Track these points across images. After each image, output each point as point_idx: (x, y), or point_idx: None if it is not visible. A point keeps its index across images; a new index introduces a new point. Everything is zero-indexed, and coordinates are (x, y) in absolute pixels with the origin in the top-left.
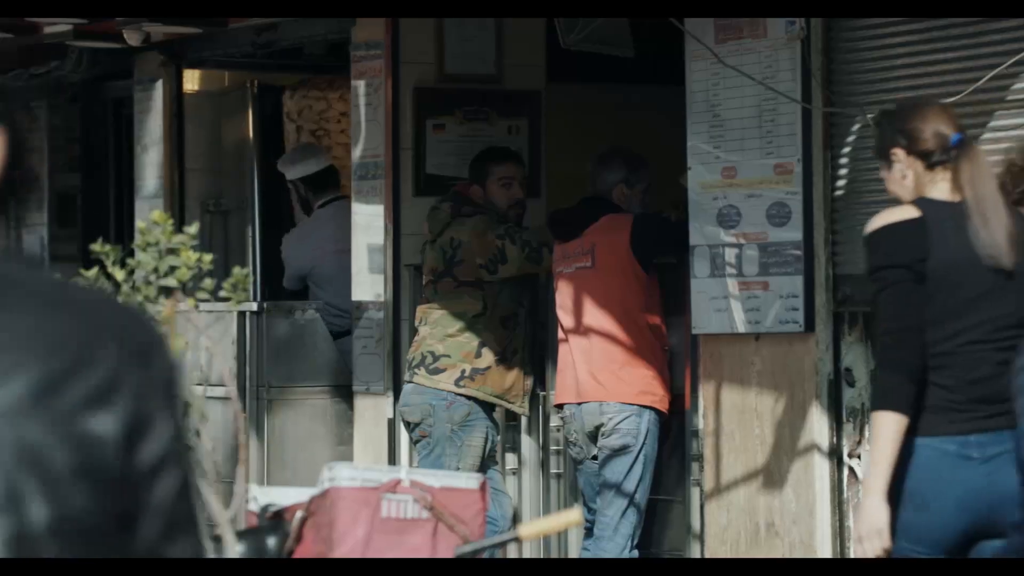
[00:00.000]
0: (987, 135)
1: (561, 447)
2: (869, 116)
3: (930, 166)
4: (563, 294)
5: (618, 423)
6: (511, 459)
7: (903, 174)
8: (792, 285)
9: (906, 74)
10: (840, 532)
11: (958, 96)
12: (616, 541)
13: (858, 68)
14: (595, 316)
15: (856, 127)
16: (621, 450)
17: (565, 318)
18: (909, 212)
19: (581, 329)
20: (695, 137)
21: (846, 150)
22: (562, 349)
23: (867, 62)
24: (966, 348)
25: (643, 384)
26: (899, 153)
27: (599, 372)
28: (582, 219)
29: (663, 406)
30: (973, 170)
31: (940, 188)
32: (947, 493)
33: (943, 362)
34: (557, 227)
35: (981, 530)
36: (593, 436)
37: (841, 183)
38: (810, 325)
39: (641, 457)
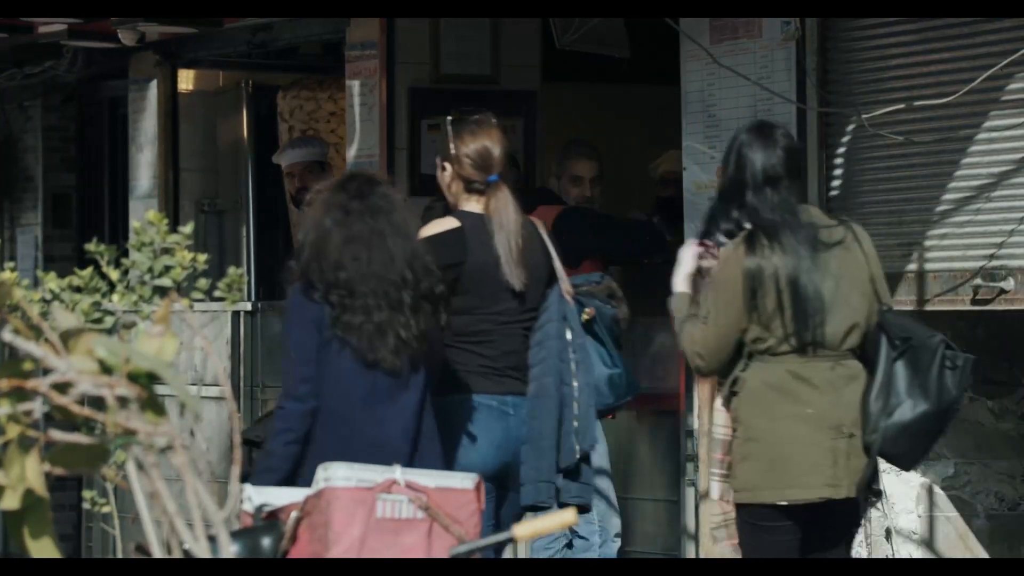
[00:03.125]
0: (982, 135)
1: None
2: (864, 117)
3: (468, 189)
4: None
5: None
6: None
7: (448, 184)
8: None
9: (901, 74)
10: None
11: (953, 96)
12: (580, 542)
13: (853, 68)
14: None
15: (851, 127)
16: None
17: None
18: (451, 223)
19: None
20: (690, 137)
21: (841, 150)
22: None
23: (862, 62)
24: (501, 327)
25: None
26: (448, 168)
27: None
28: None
29: None
30: (500, 201)
31: (474, 204)
32: (489, 437)
33: (484, 338)
34: None
35: (508, 471)
36: None
37: (836, 183)
38: None
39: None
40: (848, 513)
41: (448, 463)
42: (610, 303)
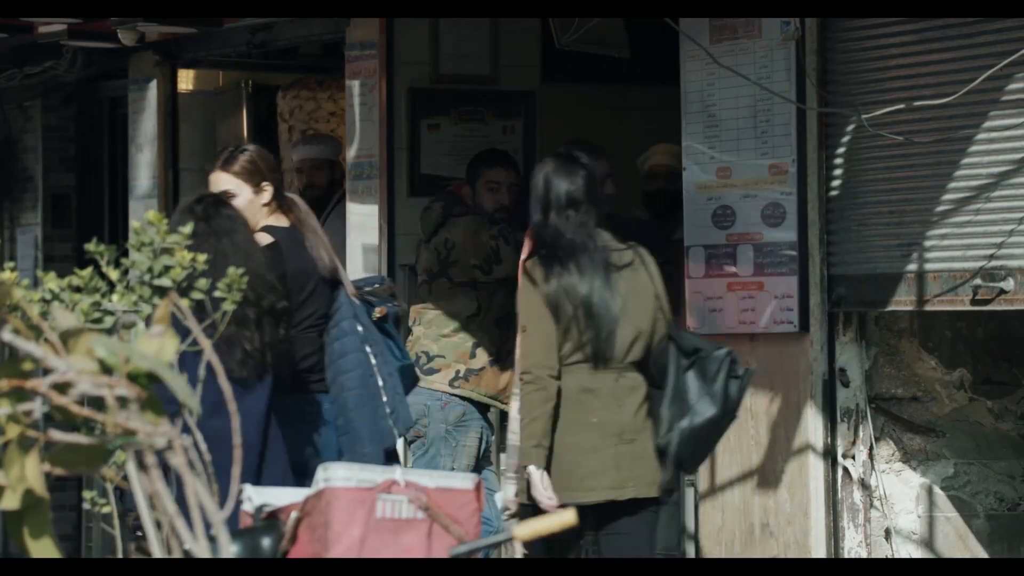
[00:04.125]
0: (982, 135)
1: None
2: (864, 117)
3: (279, 207)
4: None
5: None
6: (506, 460)
7: (266, 202)
8: (787, 285)
9: (901, 74)
10: (835, 532)
11: (952, 96)
12: None
13: (853, 68)
14: None
15: (851, 127)
16: None
17: None
18: (268, 238)
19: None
20: (690, 137)
21: (841, 150)
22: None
23: (862, 62)
24: (301, 333)
25: None
26: (270, 188)
27: None
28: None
29: None
30: (304, 213)
31: (278, 219)
32: (288, 433)
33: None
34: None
35: (308, 464)
36: None
37: (836, 183)
38: (805, 325)
39: None
40: (642, 512)
41: (292, 458)
42: (392, 302)
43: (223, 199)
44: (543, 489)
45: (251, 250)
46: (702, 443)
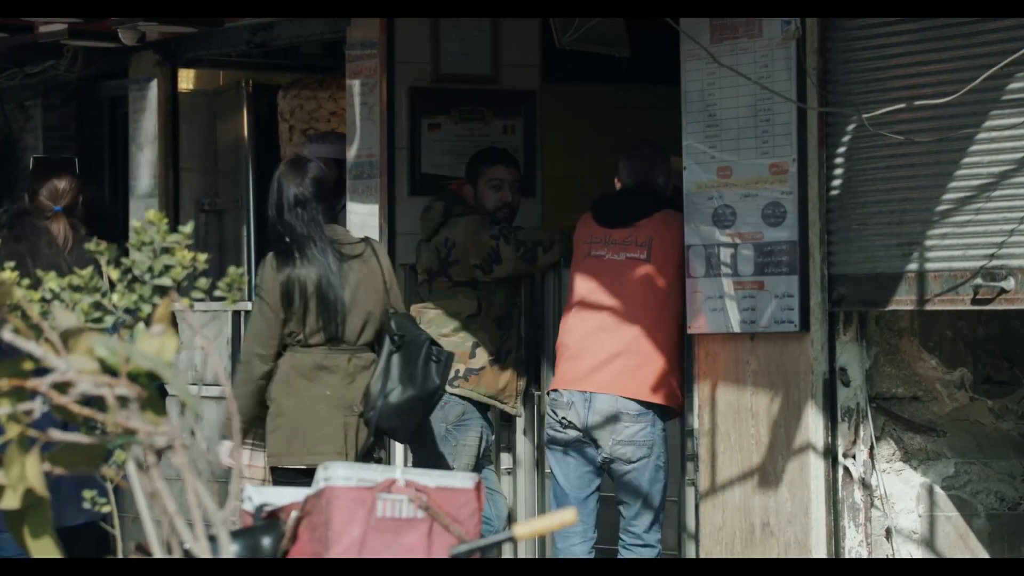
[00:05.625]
0: (982, 135)
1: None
2: (865, 116)
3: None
4: (597, 278)
5: (634, 434)
6: (506, 459)
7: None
8: (787, 285)
9: (901, 74)
10: (835, 532)
11: (953, 96)
12: (646, 551)
13: (853, 68)
14: (642, 309)
15: (851, 127)
16: (638, 461)
17: (596, 302)
18: None
19: (621, 318)
20: (690, 137)
21: (841, 150)
22: (577, 332)
23: (862, 62)
24: None
25: (673, 385)
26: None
27: (639, 366)
28: (637, 209)
29: (680, 409)
30: (58, 226)
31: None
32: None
33: None
34: (606, 212)
35: None
36: (593, 429)
37: (836, 183)
38: (805, 325)
39: (662, 464)
40: None
41: None
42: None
43: (27, 209)
44: (225, 458)
45: (51, 255)
46: (404, 418)
